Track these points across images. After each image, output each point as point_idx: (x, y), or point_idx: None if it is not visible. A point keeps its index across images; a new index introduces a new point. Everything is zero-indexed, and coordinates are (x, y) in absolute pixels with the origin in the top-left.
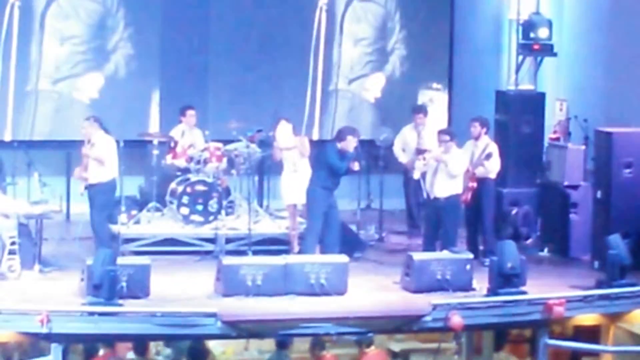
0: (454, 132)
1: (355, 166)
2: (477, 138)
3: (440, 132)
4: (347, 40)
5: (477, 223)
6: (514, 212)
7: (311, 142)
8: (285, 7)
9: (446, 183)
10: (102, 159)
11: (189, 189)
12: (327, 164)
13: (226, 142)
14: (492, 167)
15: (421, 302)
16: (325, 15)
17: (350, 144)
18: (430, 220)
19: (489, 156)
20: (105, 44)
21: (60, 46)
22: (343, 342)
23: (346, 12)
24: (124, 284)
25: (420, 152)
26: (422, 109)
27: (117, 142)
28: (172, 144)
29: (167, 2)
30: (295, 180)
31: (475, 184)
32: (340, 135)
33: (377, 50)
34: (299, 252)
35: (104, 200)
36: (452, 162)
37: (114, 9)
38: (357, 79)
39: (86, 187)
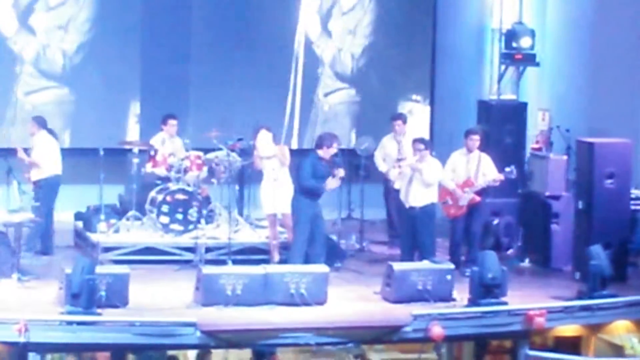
0: (429, 141)
1: (340, 172)
2: (472, 150)
3: (415, 141)
4: (328, 50)
5: (464, 233)
6: (495, 222)
7: (291, 151)
8: (268, 15)
9: (421, 192)
10: (37, 163)
11: (168, 198)
12: (298, 174)
13: (207, 150)
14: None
15: (401, 313)
16: (306, 26)
17: (328, 152)
18: (407, 229)
19: (497, 180)
20: (86, 52)
21: (40, 53)
22: (324, 352)
23: (328, 22)
24: (102, 293)
25: (401, 161)
26: (400, 116)
27: (97, 149)
28: (153, 153)
29: (147, 11)
30: (275, 189)
31: (479, 198)
32: (320, 143)
33: (358, 60)
34: (285, 262)
35: (42, 194)
36: (427, 171)
37: (95, 18)
38: (337, 91)
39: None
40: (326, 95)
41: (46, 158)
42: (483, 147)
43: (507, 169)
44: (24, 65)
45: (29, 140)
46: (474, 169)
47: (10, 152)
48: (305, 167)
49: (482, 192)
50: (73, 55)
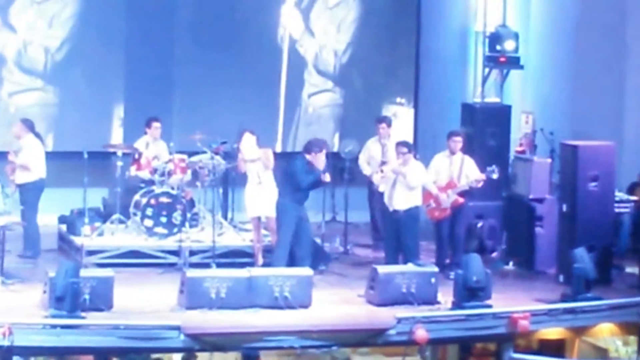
0: (412, 144)
1: (327, 177)
2: (455, 152)
3: (399, 144)
4: (311, 50)
5: (448, 236)
6: (479, 225)
7: (275, 154)
8: (252, 18)
9: (405, 195)
10: (28, 166)
11: (153, 201)
12: (293, 177)
13: (190, 154)
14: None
15: (386, 316)
16: (289, 29)
17: (318, 156)
18: (391, 233)
19: (479, 180)
20: (69, 55)
21: (21, 51)
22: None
23: (310, 22)
24: (86, 296)
25: (385, 164)
26: (385, 119)
27: (81, 153)
28: (136, 156)
29: (131, 14)
30: (259, 192)
31: (462, 199)
32: (309, 148)
33: (341, 63)
34: (269, 265)
35: (32, 197)
36: (410, 174)
37: (77, 19)
38: (321, 92)
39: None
40: (310, 96)
41: (36, 161)
42: (467, 150)
43: (489, 168)
44: (6, 65)
45: (9, 142)
46: (457, 171)
47: None
48: (299, 169)
49: (465, 194)
50: (56, 56)
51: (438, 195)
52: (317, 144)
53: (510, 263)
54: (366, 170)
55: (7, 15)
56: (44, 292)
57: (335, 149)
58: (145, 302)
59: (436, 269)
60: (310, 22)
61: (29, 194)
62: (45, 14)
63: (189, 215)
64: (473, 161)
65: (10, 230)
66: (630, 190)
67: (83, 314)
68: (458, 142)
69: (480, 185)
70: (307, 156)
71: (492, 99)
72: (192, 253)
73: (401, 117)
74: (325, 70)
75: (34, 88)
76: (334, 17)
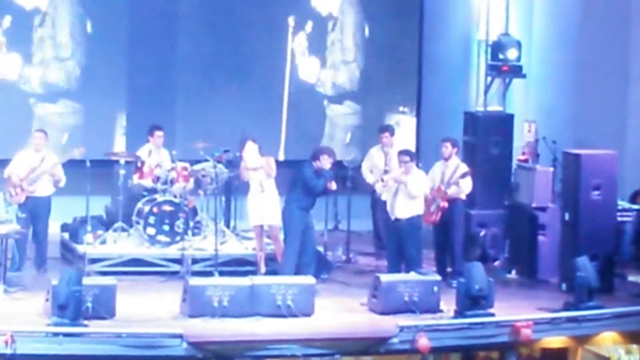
0: (414, 153)
1: (333, 185)
2: (447, 158)
3: (400, 153)
4: (314, 62)
5: (445, 244)
6: (482, 233)
7: (277, 162)
8: (254, 27)
9: (407, 204)
10: (60, 177)
11: (155, 209)
12: (303, 183)
13: (193, 162)
14: (466, 187)
15: (388, 324)
16: (292, 37)
17: (325, 163)
18: (393, 241)
19: (465, 175)
20: (71, 62)
21: (40, 78)
22: None
23: (314, 34)
24: (89, 304)
25: (387, 173)
26: (388, 128)
27: (84, 161)
28: (139, 164)
29: (134, 21)
30: (261, 200)
31: (446, 204)
32: (316, 155)
33: (346, 73)
34: (271, 273)
35: (48, 210)
36: (412, 183)
37: (81, 29)
38: (326, 104)
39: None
40: (314, 108)
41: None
42: (469, 158)
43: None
44: (31, 94)
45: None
46: (449, 176)
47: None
48: (308, 174)
49: (455, 201)
50: (61, 68)
51: (426, 197)
52: (324, 151)
53: (513, 271)
54: (369, 178)
55: (17, 38)
56: (47, 300)
57: (339, 158)
58: (148, 310)
59: (439, 278)
60: (315, 35)
61: (46, 207)
62: (49, 31)
63: (191, 223)
64: (466, 168)
65: (12, 239)
66: (633, 198)
67: (85, 322)
68: (446, 147)
69: (465, 188)
70: (316, 163)
71: (494, 107)
72: (195, 261)
73: (404, 126)
74: (330, 81)
75: (48, 100)
76: (338, 29)
